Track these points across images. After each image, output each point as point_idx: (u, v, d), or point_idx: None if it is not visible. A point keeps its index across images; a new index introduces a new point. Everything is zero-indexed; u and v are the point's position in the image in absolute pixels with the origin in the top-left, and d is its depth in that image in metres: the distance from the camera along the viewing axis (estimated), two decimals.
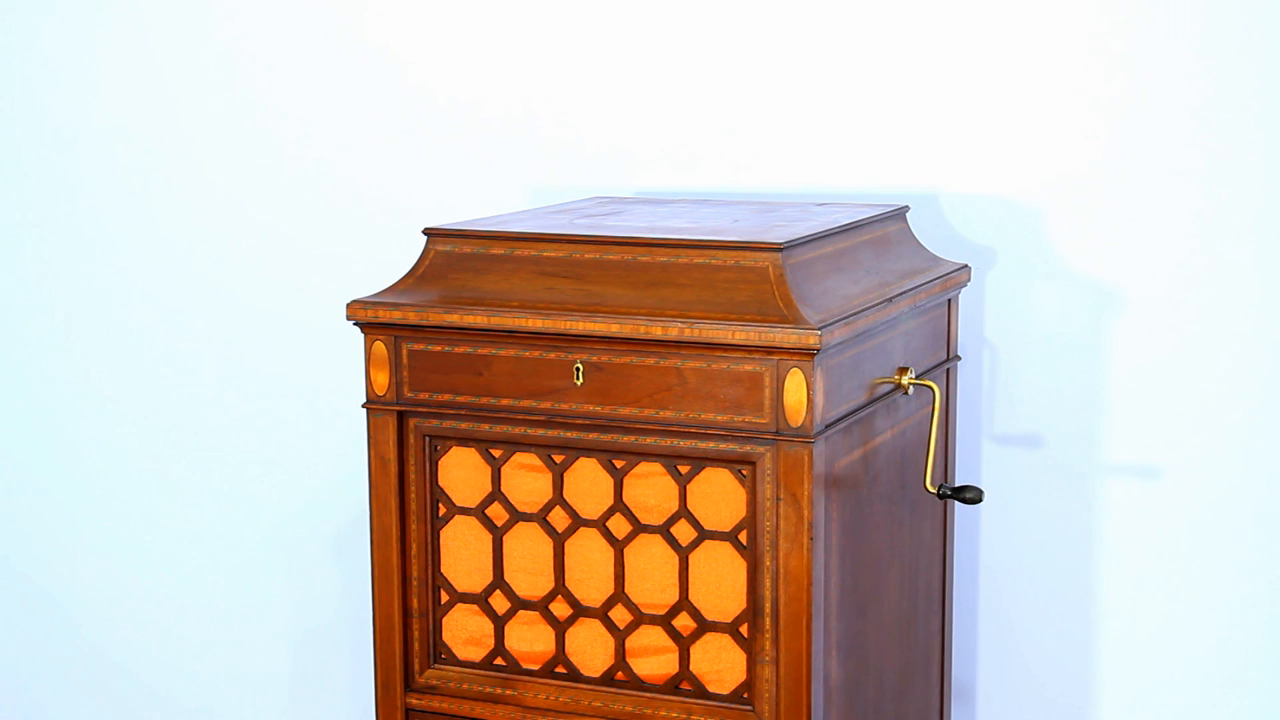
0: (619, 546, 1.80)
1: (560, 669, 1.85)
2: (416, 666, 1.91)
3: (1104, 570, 2.21)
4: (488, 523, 1.86)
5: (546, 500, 1.83)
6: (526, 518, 1.84)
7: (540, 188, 2.39)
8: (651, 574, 1.79)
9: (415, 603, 1.89)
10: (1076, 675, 2.24)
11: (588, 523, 1.81)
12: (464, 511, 1.87)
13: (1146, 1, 2.11)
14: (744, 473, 1.74)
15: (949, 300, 2.06)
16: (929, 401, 1.99)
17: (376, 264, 2.40)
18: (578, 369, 1.77)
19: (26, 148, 2.66)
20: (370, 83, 2.46)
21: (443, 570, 1.88)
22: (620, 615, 1.81)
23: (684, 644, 1.79)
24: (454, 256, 1.87)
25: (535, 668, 1.86)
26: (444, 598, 1.89)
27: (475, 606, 1.88)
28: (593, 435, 1.79)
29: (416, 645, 1.90)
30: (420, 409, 1.85)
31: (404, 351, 1.84)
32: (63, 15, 2.60)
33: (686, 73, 2.31)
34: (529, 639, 1.86)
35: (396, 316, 1.83)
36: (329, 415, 2.54)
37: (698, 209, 2.07)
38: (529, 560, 1.85)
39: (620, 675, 1.83)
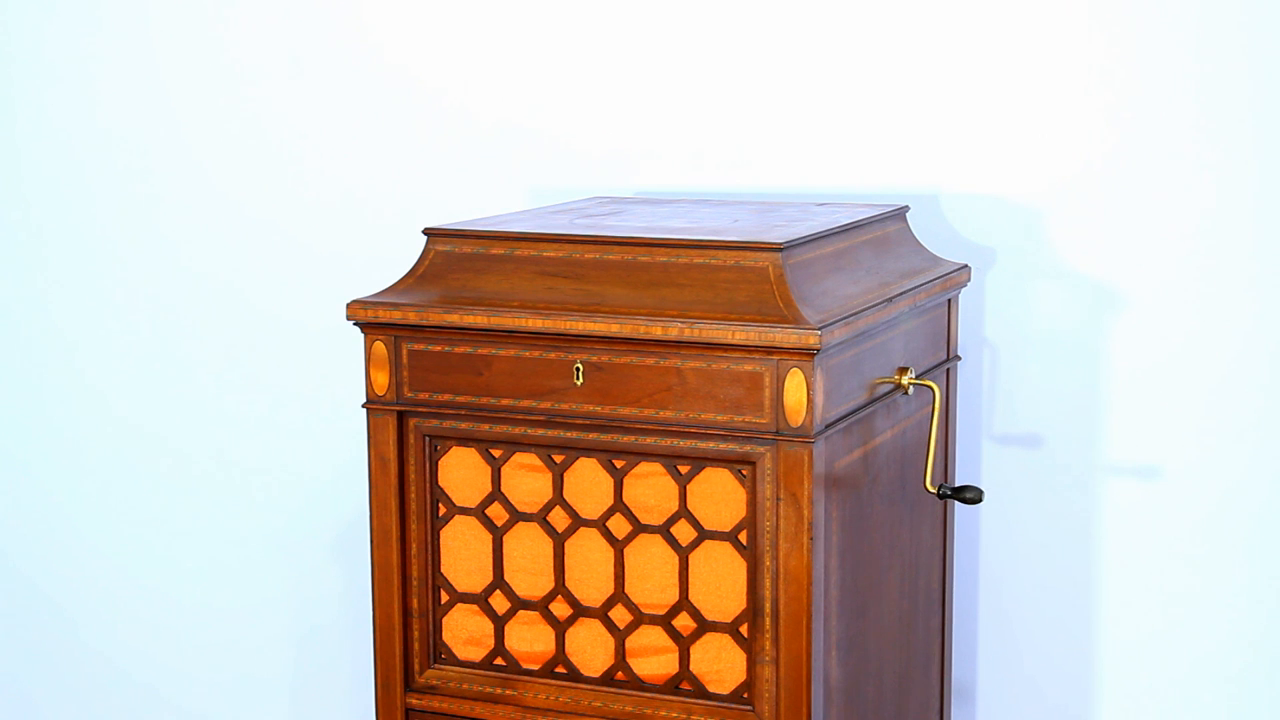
0: (619, 546, 1.80)
1: (560, 669, 1.85)
2: (416, 666, 1.91)
3: (1104, 570, 2.21)
4: (488, 523, 1.86)
5: (546, 500, 1.83)
6: (526, 518, 1.84)
7: (540, 188, 2.38)
8: (651, 574, 1.79)
9: (415, 603, 1.89)
10: (1076, 675, 2.24)
11: (588, 523, 1.81)
12: (464, 511, 1.86)
13: (1146, 2, 2.11)
14: (744, 473, 1.74)
15: (949, 300, 2.06)
16: (929, 401, 1.99)
17: (376, 264, 2.40)
18: (578, 369, 1.77)
19: (26, 148, 2.66)
20: (370, 83, 2.46)
21: (443, 570, 1.88)
22: (620, 615, 1.81)
23: (684, 644, 1.79)
24: (454, 256, 1.87)
25: (535, 668, 1.86)
26: (444, 598, 1.89)
27: (475, 606, 1.88)
28: (593, 435, 1.79)
29: (416, 645, 1.90)
30: (420, 409, 1.85)
31: (404, 351, 1.84)
32: (63, 15, 2.60)
33: (686, 73, 2.31)
34: (529, 639, 1.86)
35: (396, 316, 1.83)
36: (329, 415, 2.54)
37: (698, 209, 2.07)
38: (529, 560, 1.84)
39: (620, 675, 1.83)
